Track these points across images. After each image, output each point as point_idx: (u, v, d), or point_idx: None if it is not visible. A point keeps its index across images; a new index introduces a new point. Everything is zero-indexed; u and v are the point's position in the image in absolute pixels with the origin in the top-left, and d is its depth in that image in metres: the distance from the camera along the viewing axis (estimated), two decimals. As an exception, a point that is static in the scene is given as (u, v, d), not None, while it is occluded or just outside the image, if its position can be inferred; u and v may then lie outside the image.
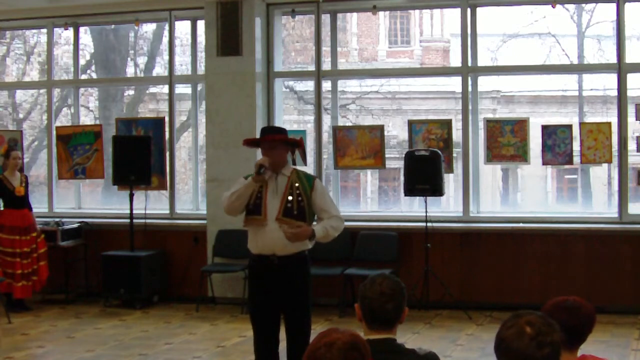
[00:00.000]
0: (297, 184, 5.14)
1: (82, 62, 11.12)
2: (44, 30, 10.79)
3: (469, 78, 9.31)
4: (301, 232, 4.99)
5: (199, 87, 10.21)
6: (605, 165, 9.44)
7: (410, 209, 9.90)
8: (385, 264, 8.71)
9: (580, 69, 10.09)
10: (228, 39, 9.33)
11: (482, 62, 9.51)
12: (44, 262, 9.24)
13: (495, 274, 8.84)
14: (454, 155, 9.52)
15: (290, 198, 5.09)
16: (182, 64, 10.62)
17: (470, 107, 9.30)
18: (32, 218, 9.24)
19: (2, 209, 9.20)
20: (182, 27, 10.41)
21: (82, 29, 10.80)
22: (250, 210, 5.13)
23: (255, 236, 5.14)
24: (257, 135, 5.57)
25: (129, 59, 12.08)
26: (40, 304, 9.40)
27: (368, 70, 12.79)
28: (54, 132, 10.40)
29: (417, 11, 13.78)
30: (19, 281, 9.01)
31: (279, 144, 5.16)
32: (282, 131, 5.43)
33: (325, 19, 9.78)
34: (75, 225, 9.84)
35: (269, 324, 5.16)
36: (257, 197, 5.11)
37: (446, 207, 10.10)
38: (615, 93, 8.95)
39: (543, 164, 9.09)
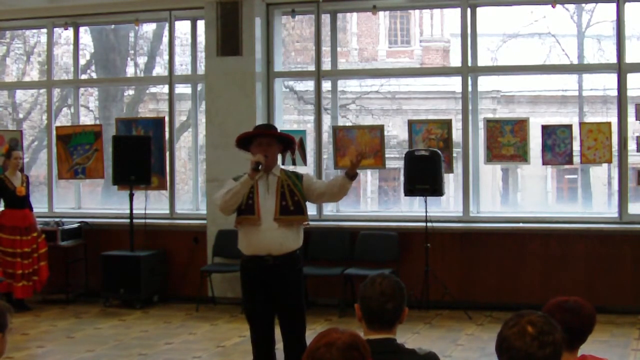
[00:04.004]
0: (287, 183, 5.14)
1: (82, 62, 11.12)
2: (44, 30, 10.80)
3: (469, 78, 9.31)
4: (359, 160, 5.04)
5: (199, 87, 10.21)
6: (605, 165, 9.43)
7: (410, 209, 9.90)
8: (385, 264, 8.71)
9: (580, 69, 10.08)
10: (228, 39, 9.33)
11: (482, 62, 9.51)
12: (44, 262, 9.24)
13: (495, 274, 8.84)
14: (454, 155, 9.52)
15: (284, 196, 5.09)
16: (182, 64, 10.62)
17: (470, 107, 9.30)
18: (32, 218, 9.25)
19: (3, 209, 9.20)
20: (182, 27, 10.41)
21: (82, 29, 10.80)
22: (243, 210, 5.10)
23: (248, 236, 5.11)
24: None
25: (129, 59, 12.08)
26: (40, 304, 9.41)
27: (368, 70, 12.79)
28: (54, 132, 10.40)
29: (417, 11, 13.78)
30: (19, 281, 9.01)
31: (274, 141, 5.17)
32: (275, 129, 5.47)
33: (325, 19, 9.78)
34: (75, 225, 9.84)
35: (266, 324, 5.16)
36: (249, 197, 5.10)
37: (446, 207, 10.10)
38: (615, 93, 8.95)
39: (543, 164, 9.09)
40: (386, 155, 9.53)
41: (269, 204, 5.09)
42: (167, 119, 10.08)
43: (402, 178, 9.00)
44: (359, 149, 5.09)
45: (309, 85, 10.53)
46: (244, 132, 5.38)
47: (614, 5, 8.85)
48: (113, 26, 11.43)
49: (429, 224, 8.67)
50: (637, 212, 8.84)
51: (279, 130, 5.64)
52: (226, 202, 5.06)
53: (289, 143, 5.35)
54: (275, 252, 5.07)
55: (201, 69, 10.11)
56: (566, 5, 9.90)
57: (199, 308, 9.05)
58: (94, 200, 11.26)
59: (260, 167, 4.99)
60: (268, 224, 5.05)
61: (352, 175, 5.06)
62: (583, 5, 10.35)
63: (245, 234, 5.13)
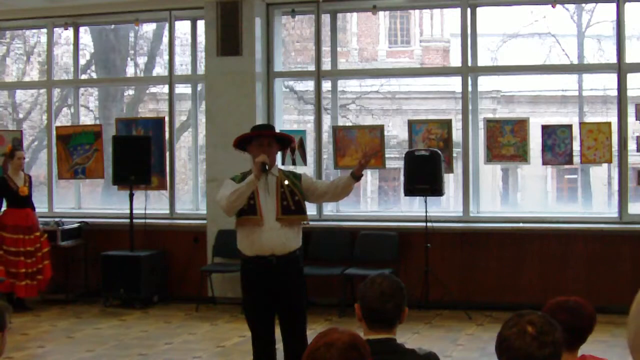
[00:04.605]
0: (286, 182, 5.15)
1: (82, 62, 11.12)
2: (44, 30, 10.80)
3: (469, 78, 9.31)
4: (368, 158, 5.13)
5: (199, 87, 10.21)
6: (605, 165, 9.44)
7: (410, 209, 9.90)
8: (385, 264, 8.71)
9: (580, 69, 10.08)
10: (228, 39, 9.32)
11: (482, 62, 9.51)
12: (47, 262, 9.25)
13: (495, 274, 8.84)
14: (454, 155, 9.52)
15: (284, 196, 5.10)
16: (182, 64, 10.62)
17: (470, 107, 9.30)
18: (35, 218, 9.26)
19: (5, 208, 9.19)
20: (182, 27, 10.41)
21: (82, 29, 10.80)
22: (245, 211, 5.08)
23: (250, 237, 5.08)
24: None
25: (129, 59, 12.08)
26: (40, 304, 9.40)
27: (368, 70, 12.80)
28: (54, 132, 10.40)
29: (417, 11, 13.78)
30: (22, 280, 9.01)
31: (274, 141, 5.18)
32: (273, 129, 5.47)
33: (325, 19, 9.78)
34: (75, 225, 9.84)
35: (267, 325, 5.16)
36: (250, 197, 5.08)
37: (446, 207, 10.10)
38: (615, 93, 8.95)
39: (543, 164, 9.09)
40: (386, 155, 9.53)
41: (270, 204, 5.08)
42: (167, 119, 10.08)
43: (402, 178, 9.00)
44: (365, 149, 5.09)
45: (309, 85, 10.53)
46: (242, 133, 5.36)
47: (614, 5, 8.84)
48: (113, 26, 11.43)
49: (429, 224, 8.67)
50: (637, 212, 8.84)
51: (277, 130, 5.65)
52: (232, 203, 5.01)
53: (288, 142, 5.36)
54: (278, 252, 5.06)
55: (201, 69, 10.11)
56: (566, 5, 9.90)
57: (199, 308, 9.05)
58: (94, 200, 11.26)
59: (267, 168, 5.00)
60: (271, 224, 5.05)
61: (358, 176, 5.07)
62: (583, 5, 10.34)
63: (247, 234, 5.10)
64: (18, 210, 9.11)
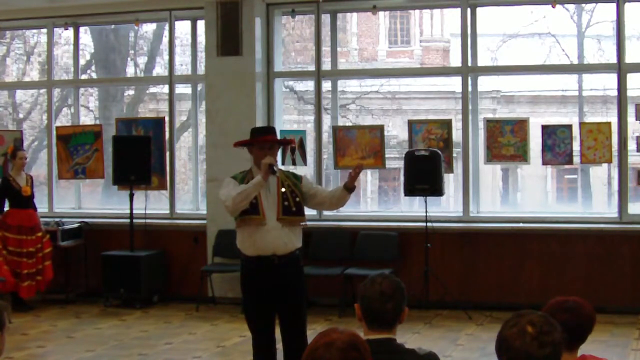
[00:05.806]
0: (287, 182, 5.16)
1: (82, 62, 11.13)
2: (44, 30, 10.80)
3: (469, 78, 9.30)
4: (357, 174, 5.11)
5: (199, 87, 10.21)
6: (605, 165, 9.44)
7: (410, 209, 9.90)
8: (385, 264, 8.71)
9: (580, 69, 10.08)
10: (228, 39, 9.33)
11: (482, 62, 9.51)
12: (48, 262, 9.24)
13: (495, 274, 8.84)
14: (454, 155, 9.52)
15: (285, 197, 5.11)
16: (182, 64, 10.62)
17: (470, 107, 9.30)
18: (37, 218, 9.26)
19: (8, 209, 9.19)
20: (182, 27, 10.42)
21: (82, 29, 10.80)
22: (247, 211, 5.08)
23: (252, 237, 5.08)
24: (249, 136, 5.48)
25: (129, 59, 12.09)
26: (40, 304, 9.40)
27: (368, 70, 12.81)
28: (54, 132, 10.40)
29: (417, 11, 13.79)
30: (25, 281, 9.01)
31: (275, 144, 5.21)
32: (274, 131, 5.49)
33: (325, 19, 9.78)
34: (75, 225, 9.84)
35: (268, 325, 5.17)
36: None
37: (446, 207, 10.10)
38: (615, 93, 8.95)
39: (543, 164, 9.09)
40: (386, 155, 9.53)
41: (272, 204, 5.09)
42: (167, 119, 10.08)
43: (402, 178, 9.00)
44: (357, 161, 5.12)
45: (309, 85, 10.54)
46: (242, 137, 5.41)
47: (614, 5, 8.84)
48: (113, 26, 11.43)
49: (429, 224, 8.67)
50: (637, 212, 8.84)
51: (277, 130, 5.68)
52: (238, 204, 4.99)
53: (287, 141, 5.44)
54: (280, 251, 5.07)
55: (201, 69, 10.11)
56: (566, 5, 9.91)
57: (199, 308, 9.05)
58: (94, 200, 11.26)
59: (276, 169, 5.01)
60: (272, 224, 5.06)
61: (350, 188, 5.10)
62: (583, 5, 10.35)
63: (249, 234, 5.10)
64: (21, 210, 9.11)
